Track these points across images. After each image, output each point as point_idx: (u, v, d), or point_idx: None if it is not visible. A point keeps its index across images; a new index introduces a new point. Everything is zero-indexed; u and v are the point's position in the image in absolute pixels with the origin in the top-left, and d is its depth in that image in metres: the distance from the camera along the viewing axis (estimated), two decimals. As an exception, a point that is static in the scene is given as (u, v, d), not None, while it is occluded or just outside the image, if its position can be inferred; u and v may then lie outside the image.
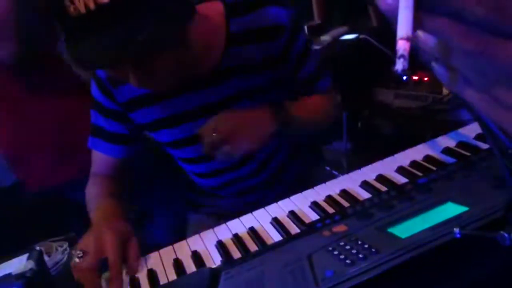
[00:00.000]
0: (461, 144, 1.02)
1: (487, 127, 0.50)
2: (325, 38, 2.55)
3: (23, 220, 2.63)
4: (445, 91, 1.98)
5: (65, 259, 1.09)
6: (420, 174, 0.95)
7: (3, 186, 2.77)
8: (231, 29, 1.06)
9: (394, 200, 0.84)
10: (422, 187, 0.86)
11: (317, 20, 2.99)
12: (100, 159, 1.21)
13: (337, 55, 2.44)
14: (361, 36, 2.45)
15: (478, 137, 1.03)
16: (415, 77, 2.20)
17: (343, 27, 2.62)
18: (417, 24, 0.30)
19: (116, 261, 0.89)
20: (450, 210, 0.75)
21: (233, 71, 1.08)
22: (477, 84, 0.31)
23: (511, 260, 0.61)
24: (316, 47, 2.48)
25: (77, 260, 0.91)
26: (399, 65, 0.30)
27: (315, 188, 1.05)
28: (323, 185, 1.05)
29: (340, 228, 0.80)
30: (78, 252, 0.93)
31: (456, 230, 0.62)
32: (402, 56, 0.29)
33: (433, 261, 0.68)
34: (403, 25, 0.30)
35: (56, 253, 1.13)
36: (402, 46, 0.30)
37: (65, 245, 1.17)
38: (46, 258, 1.07)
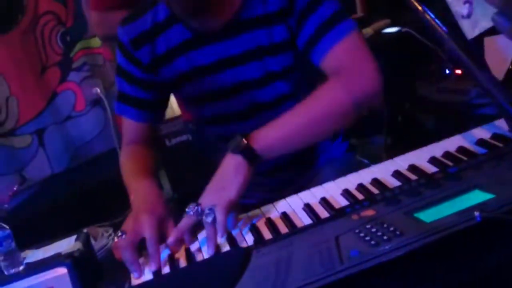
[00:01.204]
0: (495, 135, 1.02)
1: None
2: (367, 31, 2.54)
3: (75, 204, 2.78)
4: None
5: (110, 243, 1.16)
6: (451, 164, 0.96)
7: (58, 172, 2.93)
8: None
9: (422, 187, 0.86)
10: (451, 175, 0.88)
11: (359, 13, 2.99)
12: (129, 125, 1.25)
13: (378, 48, 2.43)
14: (404, 29, 2.43)
15: (512, 129, 1.02)
16: (458, 71, 2.17)
17: (385, 20, 2.60)
18: None
19: (153, 239, 0.94)
20: (477, 197, 0.77)
21: (252, 22, 1.10)
22: None
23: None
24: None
25: (116, 239, 0.98)
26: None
27: (347, 176, 1.08)
28: (355, 173, 1.08)
29: (368, 212, 0.83)
30: (118, 232, 1.00)
31: (477, 213, 0.64)
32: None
33: (457, 245, 0.71)
34: None
35: (102, 238, 1.21)
36: None
37: (110, 230, 1.25)
38: (92, 242, 1.15)
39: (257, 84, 1.17)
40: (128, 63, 1.19)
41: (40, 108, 2.80)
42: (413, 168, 1.01)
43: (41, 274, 0.90)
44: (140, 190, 1.10)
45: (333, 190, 1.03)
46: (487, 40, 1.96)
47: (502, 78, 1.92)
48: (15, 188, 2.57)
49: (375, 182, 1.01)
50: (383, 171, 1.04)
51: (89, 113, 2.92)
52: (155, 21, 1.16)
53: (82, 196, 2.90)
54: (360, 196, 0.97)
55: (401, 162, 1.06)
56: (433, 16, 0.60)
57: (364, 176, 1.05)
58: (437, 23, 0.61)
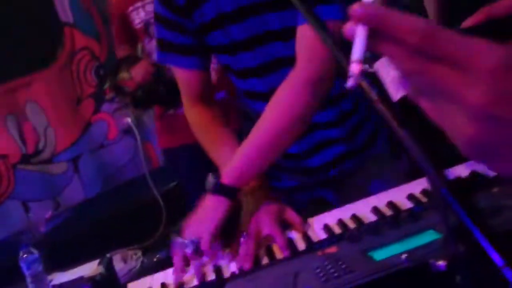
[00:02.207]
0: (473, 173, 1.06)
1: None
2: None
3: (106, 228, 2.92)
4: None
5: (138, 266, 1.25)
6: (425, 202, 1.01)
7: (91, 197, 3.10)
8: None
9: (385, 226, 0.92)
10: (415, 214, 0.93)
11: None
12: (180, 75, 1.24)
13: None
14: None
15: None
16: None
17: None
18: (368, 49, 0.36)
19: (281, 236, 1.00)
20: (428, 237, 0.82)
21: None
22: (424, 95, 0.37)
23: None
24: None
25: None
26: (350, 83, 0.37)
27: (332, 211, 1.14)
28: (338, 209, 1.14)
29: (331, 249, 0.89)
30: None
31: (403, 256, 0.69)
32: (352, 75, 0.37)
33: (403, 283, 0.76)
34: (357, 51, 0.36)
35: (131, 260, 1.30)
36: (354, 68, 0.36)
37: (139, 253, 1.33)
38: (122, 264, 1.23)
39: (279, 36, 1.13)
40: (164, 8, 1.17)
41: (76, 137, 2.99)
42: (391, 204, 1.06)
43: (65, 296, 0.97)
44: (241, 172, 1.09)
45: (316, 224, 1.09)
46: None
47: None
48: (50, 213, 2.74)
49: (353, 217, 1.06)
50: (364, 206, 1.09)
51: (120, 141, 3.08)
52: None
53: (113, 219, 3.04)
54: (337, 231, 1.02)
55: (382, 198, 1.10)
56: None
57: (346, 210, 1.11)
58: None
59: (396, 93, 0.73)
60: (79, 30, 2.92)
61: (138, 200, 3.06)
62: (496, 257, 0.58)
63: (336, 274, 0.79)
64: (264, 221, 1.04)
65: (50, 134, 2.92)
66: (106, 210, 3.09)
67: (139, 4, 1.98)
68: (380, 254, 0.81)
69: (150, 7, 1.93)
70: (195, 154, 2.03)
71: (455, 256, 0.60)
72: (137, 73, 2.01)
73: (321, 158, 1.26)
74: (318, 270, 0.82)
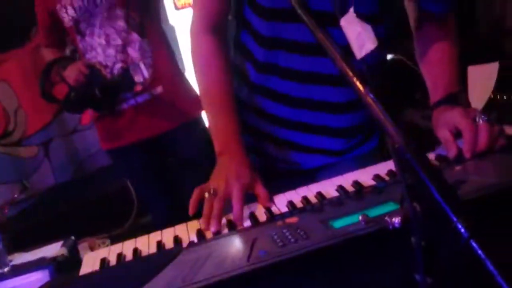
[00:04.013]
0: (438, 157, 1.06)
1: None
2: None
3: (75, 215, 2.85)
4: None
5: None
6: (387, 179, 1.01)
7: (60, 183, 3.04)
8: None
9: (348, 199, 0.91)
10: (377, 190, 0.92)
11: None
12: (205, 1, 1.17)
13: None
14: (396, 57, 2.49)
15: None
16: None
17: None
18: None
19: (239, 212, 0.97)
20: (388, 207, 0.81)
21: None
22: None
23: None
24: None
25: (206, 195, 1.02)
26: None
27: (297, 189, 1.13)
28: (304, 187, 1.13)
29: (292, 220, 0.88)
30: (211, 189, 1.03)
31: (362, 223, 0.68)
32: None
33: (359, 248, 0.75)
34: None
35: (98, 248, 1.24)
36: None
37: (108, 241, 1.28)
38: (89, 252, 1.19)
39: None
40: None
41: (47, 120, 2.93)
42: (356, 183, 1.06)
43: (24, 276, 0.93)
44: (228, 138, 1.11)
45: (279, 200, 1.08)
46: (470, 69, 2.00)
47: (483, 106, 1.95)
48: (15, 196, 2.68)
49: (318, 194, 1.05)
50: (330, 185, 1.09)
51: (93, 127, 3.03)
52: None
53: (82, 207, 2.98)
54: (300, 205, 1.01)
55: (351, 176, 1.10)
56: (328, 35, 0.66)
57: (311, 189, 1.10)
58: (329, 41, 0.66)
59: (360, 50, 0.73)
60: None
61: (108, 189, 3.01)
62: (449, 214, 0.57)
63: (293, 240, 0.77)
64: (231, 186, 1.02)
65: (21, 116, 2.85)
66: (75, 197, 3.04)
67: (66, 0, 1.82)
68: (339, 223, 0.80)
69: (78, 2, 1.80)
70: (138, 153, 1.99)
71: (410, 216, 0.60)
72: (68, 75, 1.87)
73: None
74: (276, 237, 0.80)
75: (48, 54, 2.03)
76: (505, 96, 1.89)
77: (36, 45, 2.84)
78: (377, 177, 1.06)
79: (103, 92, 1.82)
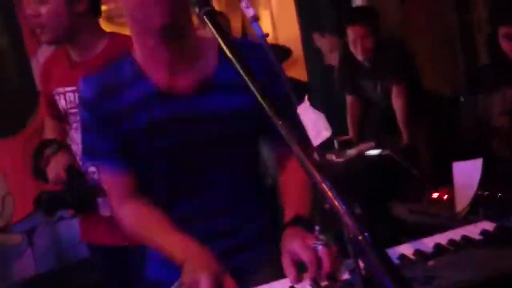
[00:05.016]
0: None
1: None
2: (351, 152, 2.64)
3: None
4: (458, 209, 1.95)
5: None
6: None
7: (40, 273, 2.93)
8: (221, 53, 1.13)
9: None
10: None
11: (350, 135, 3.11)
12: (110, 178, 1.23)
13: (359, 169, 2.50)
14: (384, 152, 2.52)
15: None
16: (435, 195, 2.19)
17: (370, 143, 2.70)
18: None
19: None
20: None
21: (224, 87, 1.14)
22: None
23: None
24: (340, 160, 2.57)
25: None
26: None
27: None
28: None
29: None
30: (178, 283, 1.02)
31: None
32: None
33: None
34: None
35: None
36: None
37: None
38: None
39: (213, 145, 1.18)
40: (91, 116, 1.19)
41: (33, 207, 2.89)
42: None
43: None
44: (187, 244, 1.12)
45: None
46: (455, 165, 2.01)
47: (468, 202, 1.94)
48: (-7, 285, 2.58)
49: None
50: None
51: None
52: (119, 76, 1.18)
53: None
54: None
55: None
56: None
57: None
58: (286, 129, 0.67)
59: (316, 137, 0.73)
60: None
61: (90, 280, 2.90)
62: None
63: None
64: (199, 275, 0.99)
65: (9, 203, 2.83)
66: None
67: (60, 89, 1.79)
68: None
69: (70, 96, 1.78)
70: (114, 256, 1.91)
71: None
72: (50, 171, 1.79)
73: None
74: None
75: (48, 125, 2.02)
76: (489, 192, 1.88)
77: (30, 133, 2.89)
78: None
79: (76, 198, 1.78)
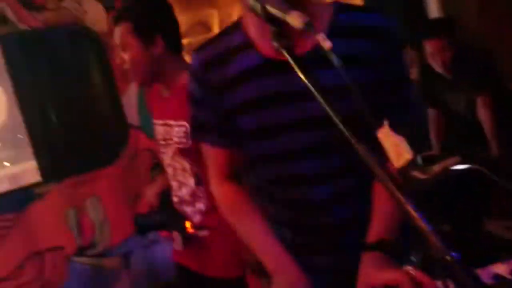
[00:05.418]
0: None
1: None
2: (436, 168, 2.56)
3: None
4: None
5: None
6: None
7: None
8: (336, 22, 1.08)
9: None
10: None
11: (434, 151, 3.02)
12: (211, 154, 1.23)
13: (445, 185, 2.42)
14: (473, 167, 2.42)
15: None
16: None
17: (455, 158, 2.61)
18: None
19: None
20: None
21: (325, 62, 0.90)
22: None
23: None
24: (425, 176, 2.50)
25: None
26: None
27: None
28: None
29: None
30: None
31: None
32: None
33: None
34: None
35: None
36: None
37: None
38: None
39: (321, 123, 1.02)
40: (198, 87, 1.19)
41: (130, 232, 3.08)
42: None
43: None
44: (280, 256, 1.13)
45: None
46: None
47: None
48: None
49: None
50: None
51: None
52: (228, 46, 1.15)
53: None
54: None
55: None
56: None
57: None
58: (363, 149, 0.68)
59: (397, 159, 0.75)
60: (144, 132, 3.14)
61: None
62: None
63: None
64: None
65: (107, 228, 3.03)
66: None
67: (156, 121, 1.87)
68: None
69: (159, 129, 1.84)
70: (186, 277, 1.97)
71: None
72: (147, 195, 1.96)
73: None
74: None
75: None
76: None
77: (125, 163, 3.10)
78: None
79: (166, 221, 1.90)
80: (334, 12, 1.09)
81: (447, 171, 2.50)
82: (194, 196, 1.80)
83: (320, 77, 0.89)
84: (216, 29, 4.62)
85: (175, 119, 1.73)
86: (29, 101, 2.87)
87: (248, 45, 1.12)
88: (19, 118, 2.85)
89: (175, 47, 1.77)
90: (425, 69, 2.97)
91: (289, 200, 1.18)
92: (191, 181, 1.79)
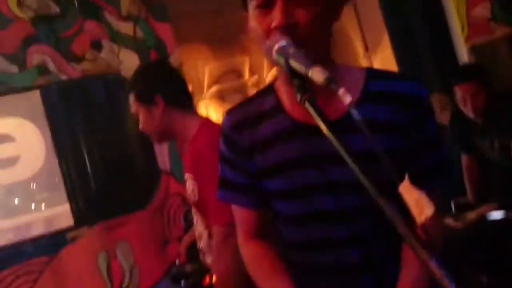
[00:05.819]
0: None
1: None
2: (470, 215, 2.48)
3: None
4: None
5: None
6: None
7: None
8: (367, 88, 1.09)
9: None
10: None
11: (468, 198, 2.94)
12: (239, 213, 1.25)
13: (481, 234, 2.34)
14: (510, 215, 2.34)
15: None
16: None
17: (492, 204, 2.53)
18: None
19: None
20: None
21: (356, 128, 0.87)
22: None
23: None
24: (459, 224, 2.43)
25: None
26: None
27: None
28: None
29: None
30: None
31: None
32: None
33: None
34: None
35: None
36: None
37: None
38: None
39: (347, 188, 1.07)
40: (228, 148, 1.20)
41: (158, 277, 3.08)
42: None
43: None
44: None
45: None
46: None
47: None
48: None
49: None
50: None
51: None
52: (260, 108, 1.17)
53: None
54: None
55: None
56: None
57: None
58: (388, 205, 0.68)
59: (419, 215, 0.74)
60: (174, 177, 3.19)
61: None
62: None
63: None
64: None
65: (135, 273, 3.04)
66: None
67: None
68: None
69: (190, 185, 1.84)
70: None
71: None
72: (182, 245, 2.06)
73: None
74: None
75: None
76: None
77: (156, 207, 3.14)
78: None
79: (193, 273, 1.96)
80: (367, 78, 1.11)
81: (482, 219, 2.43)
82: (208, 247, 1.82)
83: (349, 142, 0.86)
84: (247, 76, 4.73)
85: (188, 172, 1.79)
86: (65, 146, 2.97)
87: (279, 108, 1.14)
88: (55, 163, 2.94)
89: (180, 103, 1.81)
90: (457, 114, 2.93)
91: (314, 264, 1.18)
92: (205, 234, 1.83)
